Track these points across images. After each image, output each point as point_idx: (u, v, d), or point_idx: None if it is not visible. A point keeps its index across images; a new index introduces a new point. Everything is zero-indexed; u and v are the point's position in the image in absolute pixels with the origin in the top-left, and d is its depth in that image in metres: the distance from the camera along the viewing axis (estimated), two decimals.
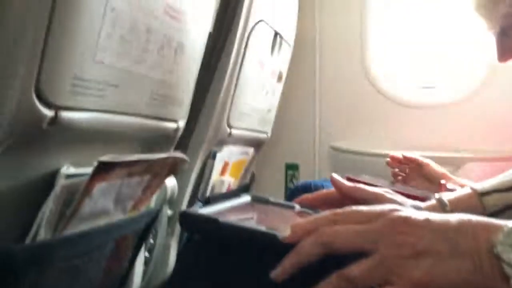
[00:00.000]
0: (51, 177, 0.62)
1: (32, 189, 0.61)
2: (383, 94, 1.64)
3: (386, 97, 1.64)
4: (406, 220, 0.46)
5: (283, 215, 0.69)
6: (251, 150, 1.44)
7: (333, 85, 1.69)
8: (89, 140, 0.69)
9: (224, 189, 1.26)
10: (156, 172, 0.79)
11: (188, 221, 0.55)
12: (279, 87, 1.46)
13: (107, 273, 0.81)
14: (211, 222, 0.53)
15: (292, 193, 1.20)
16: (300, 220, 0.52)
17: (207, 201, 1.15)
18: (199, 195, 1.18)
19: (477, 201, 0.68)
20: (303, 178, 1.73)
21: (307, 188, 1.18)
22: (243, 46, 1.15)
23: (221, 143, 1.20)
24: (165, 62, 0.78)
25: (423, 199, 1.09)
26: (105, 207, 0.70)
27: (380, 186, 1.12)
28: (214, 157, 1.18)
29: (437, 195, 0.70)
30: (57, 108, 0.57)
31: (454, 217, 0.46)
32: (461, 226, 0.45)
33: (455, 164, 1.52)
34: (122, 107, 0.71)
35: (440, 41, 1.63)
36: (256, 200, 0.77)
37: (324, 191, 0.76)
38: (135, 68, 0.71)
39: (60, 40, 0.55)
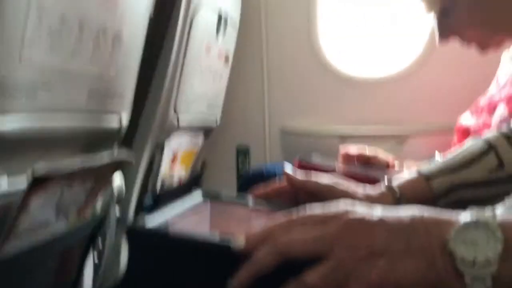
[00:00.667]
0: None
1: None
2: (331, 72, 1.63)
3: (334, 75, 1.63)
4: (360, 222, 0.46)
5: (237, 215, 0.67)
6: (200, 138, 1.39)
7: (281, 65, 1.66)
8: (24, 146, 0.62)
9: (174, 182, 1.21)
10: (100, 174, 0.73)
11: (136, 238, 0.51)
12: (226, 70, 1.41)
13: (53, 286, 0.76)
14: (160, 237, 0.50)
15: (244, 182, 1.17)
16: (254, 222, 0.50)
17: (158, 200, 1.10)
18: (149, 191, 1.13)
19: (424, 185, 0.70)
20: (254, 160, 1.70)
21: (259, 175, 1.16)
22: (187, 30, 1.09)
23: (169, 133, 1.14)
24: (101, 55, 0.71)
25: (375, 181, 1.10)
26: (45, 219, 0.64)
27: (332, 170, 1.12)
28: (162, 148, 1.13)
29: (386, 182, 0.71)
30: None
31: (407, 214, 0.46)
32: (414, 224, 0.45)
33: (400, 138, 1.56)
34: (57, 107, 0.64)
35: (383, 17, 1.64)
36: (208, 196, 0.74)
37: (277, 184, 0.76)
38: (68, 64, 0.64)
39: None
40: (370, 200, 0.66)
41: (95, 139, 0.80)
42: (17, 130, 0.57)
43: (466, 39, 1.00)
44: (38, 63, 0.57)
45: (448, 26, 0.98)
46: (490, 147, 0.69)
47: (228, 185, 1.55)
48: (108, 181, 0.82)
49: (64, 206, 0.68)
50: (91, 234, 0.83)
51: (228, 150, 1.70)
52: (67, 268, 0.81)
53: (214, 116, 1.42)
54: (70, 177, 0.64)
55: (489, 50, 1.01)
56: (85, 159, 0.66)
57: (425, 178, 0.69)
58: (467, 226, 0.42)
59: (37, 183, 0.56)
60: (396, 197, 0.68)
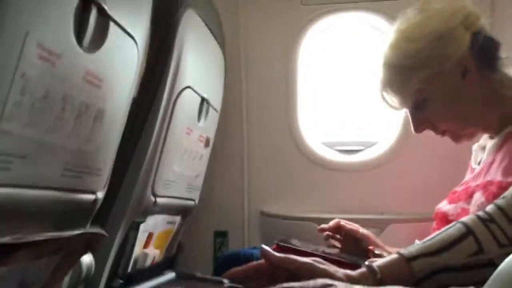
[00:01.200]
0: None
1: None
2: (309, 158, 1.67)
3: (312, 162, 1.66)
4: None
5: None
6: (177, 219, 1.37)
7: (261, 150, 1.69)
8: None
9: (148, 263, 1.17)
10: (70, 250, 0.71)
11: None
12: (207, 152, 1.44)
13: None
14: None
15: (221, 264, 1.14)
16: None
17: (128, 280, 1.06)
18: (120, 271, 1.09)
19: (405, 267, 0.69)
20: (232, 244, 1.67)
21: (236, 257, 1.13)
22: (169, 112, 1.12)
23: (145, 212, 1.13)
24: (82, 131, 0.73)
25: (353, 266, 1.08)
26: None
27: (311, 252, 1.10)
28: (137, 228, 1.11)
29: (367, 263, 0.70)
30: None
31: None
32: None
33: (379, 226, 1.55)
34: (31, 180, 0.64)
35: (362, 103, 1.71)
36: (182, 276, 0.71)
37: (255, 263, 0.74)
38: (47, 137, 0.65)
39: None
40: (351, 280, 0.65)
41: (68, 216, 0.78)
42: None
43: (439, 130, 1.05)
44: (16, 136, 0.58)
45: (422, 118, 1.04)
46: (468, 231, 0.69)
47: (204, 268, 1.51)
48: (78, 259, 0.79)
49: (28, 283, 0.65)
50: None
51: (206, 233, 1.67)
52: None
53: (193, 198, 1.41)
54: (37, 250, 0.62)
55: (462, 140, 1.06)
56: (54, 233, 0.65)
57: (406, 260, 0.68)
58: None
59: (1, 254, 0.54)
60: (377, 278, 0.67)
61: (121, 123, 0.88)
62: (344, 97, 1.75)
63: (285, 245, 1.12)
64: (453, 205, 1.17)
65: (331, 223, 1.21)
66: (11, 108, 0.56)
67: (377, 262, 0.70)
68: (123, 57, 0.81)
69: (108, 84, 0.77)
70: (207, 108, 1.34)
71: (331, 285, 0.46)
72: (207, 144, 1.41)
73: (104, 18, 0.73)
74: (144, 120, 1.09)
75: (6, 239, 0.54)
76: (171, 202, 1.25)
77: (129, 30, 0.81)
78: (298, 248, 1.12)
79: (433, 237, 0.72)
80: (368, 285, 0.65)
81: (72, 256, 0.74)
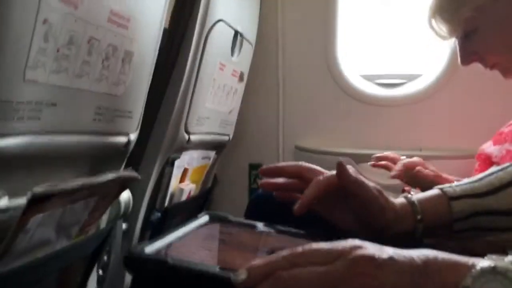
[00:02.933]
0: None
1: None
2: (346, 92, 1.61)
3: (350, 95, 1.61)
4: (369, 261, 0.43)
5: (243, 241, 0.65)
6: (212, 154, 1.38)
7: (297, 83, 1.64)
8: (28, 165, 0.62)
9: (183, 197, 1.21)
10: (104, 193, 0.73)
11: (134, 264, 0.50)
12: (241, 87, 1.41)
13: None
14: (159, 264, 0.48)
15: (252, 204, 1.15)
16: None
17: (166, 213, 1.09)
18: (157, 205, 1.12)
19: (445, 206, 0.65)
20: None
21: (268, 197, 1.13)
22: (201, 47, 1.09)
23: (180, 149, 1.14)
24: (110, 74, 0.71)
25: None
26: (44, 237, 0.64)
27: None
28: (172, 164, 1.13)
29: (407, 196, 0.66)
30: None
31: (420, 255, 0.43)
32: (427, 267, 0.42)
33: None
34: (62, 126, 0.64)
35: (403, 37, 1.61)
36: (215, 219, 0.72)
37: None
38: (75, 83, 0.64)
39: None
40: (395, 213, 0.63)
41: (102, 158, 0.80)
42: (22, 149, 0.57)
43: (489, 63, 0.98)
44: (42, 84, 0.57)
45: (470, 50, 0.97)
46: None
47: (239, 203, 1.54)
48: (113, 200, 0.81)
49: (66, 225, 0.68)
50: (96, 248, 0.83)
51: (240, 167, 1.68)
52: (70, 281, 0.81)
53: (227, 133, 1.41)
54: (71, 196, 0.63)
55: None
56: (88, 179, 0.66)
57: (448, 198, 0.65)
58: (485, 273, 0.40)
59: (37, 203, 0.56)
60: (417, 218, 0.64)
61: (151, 63, 0.85)
62: (386, 27, 1.64)
63: None
64: (498, 147, 1.11)
65: (388, 153, 1.18)
66: (35, 56, 0.55)
67: (419, 197, 0.66)
68: None
69: (135, 24, 0.74)
70: (241, 41, 1.30)
71: (360, 247, 0.44)
72: (241, 78, 1.38)
73: None
74: (175, 57, 1.06)
75: (40, 188, 0.55)
76: (205, 138, 1.25)
77: None
78: None
79: (482, 178, 0.67)
80: (405, 223, 0.63)
81: (107, 198, 0.75)
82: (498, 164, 1.05)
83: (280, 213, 1.13)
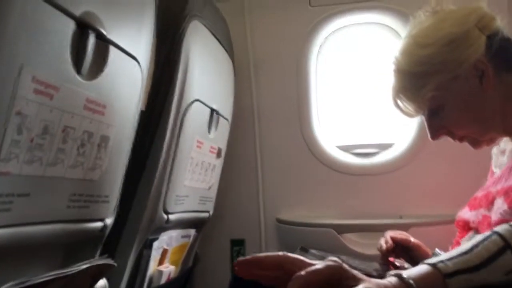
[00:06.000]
0: None
1: None
2: (323, 163, 1.63)
3: (327, 166, 1.62)
4: None
5: None
6: (192, 232, 1.36)
7: (275, 156, 1.66)
8: (1, 258, 0.60)
9: (163, 280, 1.16)
10: (78, 284, 0.70)
11: None
12: (219, 162, 1.42)
13: None
14: None
15: (233, 284, 1.12)
16: None
17: None
18: None
19: (441, 284, 0.64)
20: (250, 252, 1.64)
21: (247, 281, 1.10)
22: (178, 127, 1.10)
23: (159, 229, 1.11)
24: (86, 160, 0.71)
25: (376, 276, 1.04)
26: None
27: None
28: (150, 246, 1.09)
29: (399, 273, 0.64)
30: None
31: None
32: None
33: (400, 229, 1.51)
34: (34, 216, 0.63)
35: (377, 104, 1.67)
36: None
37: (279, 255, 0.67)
38: (48, 172, 0.63)
39: None
40: None
41: (78, 245, 0.77)
42: None
43: (457, 137, 1.00)
44: (14, 175, 0.56)
45: (438, 125, 0.99)
46: (505, 244, 0.65)
47: (221, 279, 1.49)
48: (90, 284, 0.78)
49: None
50: None
51: (222, 242, 1.65)
52: None
53: (207, 210, 1.40)
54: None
55: (482, 146, 1.01)
56: (59, 272, 0.64)
57: (443, 276, 0.64)
58: None
59: None
60: None
61: (128, 145, 0.86)
62: (358, 99, 1.70)
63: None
64: (474, 212, 1.12)
65: (387, 242, 1.17)
66: (8, 148, 0.54)
67: (411, 274, 0.65)
68: (125, 79, 0.79)
69: (111, 109, 0.75)
70: (217, 118, 1.32)
71: None
72: (219, 154, 1.39)
73: (103, 43, 0.71)
74: (152, 137, 1.07)
75: (9, 285, 0.52)
76: (184, 216, 1.23)
77: (130, 51, 0.79)
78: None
79: (470, 250, 0.67)
80: None
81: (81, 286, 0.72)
82: (476, 229, 1.06)
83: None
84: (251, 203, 1.66)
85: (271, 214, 1.64)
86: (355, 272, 0.62)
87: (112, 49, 0.73)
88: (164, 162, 1.06)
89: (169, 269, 1.19)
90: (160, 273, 1.14)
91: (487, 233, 0.69)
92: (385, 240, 1.18)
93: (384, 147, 1.66)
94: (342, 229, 1.55)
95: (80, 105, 0.67)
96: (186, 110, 1.12)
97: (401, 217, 1.55)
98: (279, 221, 1.62)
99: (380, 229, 1.52)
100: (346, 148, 1.67)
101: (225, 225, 1.65)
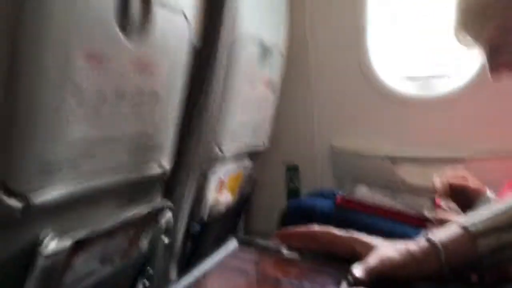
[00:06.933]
0: (34, 250, 0.63)
1: (15, 263, 0.62)
2: (381, 91, 1.60)
3: (383, 95, 1.60)
4: None
5: (266, 272, 0.68)
6: (247, 162, 1.43)
7: (330, 84, 1.65)
8: (71, 207, 0.69)
9: (222, 207, 1.27)
10: (142, 223, 0.80)
11: None
12: (273, 95, 1.45)
13: None
14: None
15: (285, 214, 1.20)
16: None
17: (205, 225, 1.16)
18: (196, 218, 1.19)
19: (470, 245, 0.65)
20: (304, 178, 1.73)
21: (298, 208, 1.18)
22: (230, 63, 1.13)
23: (213, 164, 1.20)
24: (141, 116, 0.77)
25: (420, 220, 1.08)
26: (89, 269, 0.72)
27: (374, 207, 1.12)
28: (207, 179, 1.19)
29: (430, 237, 0.67)
30: (27, 197, 0.58)
31: None
32: None
33: (455, 162, 1.50)
34: (100, 172, 0.71)
35: (436, 34, 1.58)
36: (243, 243, 0.77)
37: (311, 229, 0.74)
38: (109, 132, 0.70)
39: (25, 131, 0.56)
40: (414, 259, 0.65)
41: (141, 188, 0.86)
42: (64, 197, 0.65)
43: None
44: (79, 140, 0.64)
45: (498, 64, 0.96)
46: None
47: (277, 203, 1.59)
48: (151, 225, 0.88)
49: (108, 255, 0.75)
50: (140, 265, 0.91)
51: (277, 169, 1.73)
52: None
53: (260, 140, 1.46)
54: (110, 234, 0.71)
55: None
56: (123, 215, 0.73)
57: (472, 237, 0.66)
58: None
59: (78, 247, 0.63)
60: (441, 258, 0.66)
61: (179, 95, 0.91)
62: (419, 28, 1.61)
63: (350, 197, 1.14)
64: None
65: (442, 188, 1.18)
66: (68, 119, 0.61)
67: (440, 237, 0.67)
68: (172, 34, 0.82)
69: (161, 66, 0.79)
70: (270, 52, 1.33)
71: None
72: (272, 88, 1.41)
73: (146, 2, 0.73)
74: (204, 76, 1.11)
75: (80, 234, 0.62)
76: (239, 149, 1.31)
77: (174, 5, 0.81)
78: (362, 200, 1.14)
79: (505, 211, 0.68)
80: (428, 267, 0.65)
81: (145, 225, 0.82)
82: None
83: (312, 222, 1.18)
84: (306, 130, 1.69)
85: (326, 142, 1.68)
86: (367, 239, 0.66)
87: (156, 7, 0.75)
88: (217, 99, 1.11)
89: (226, 197, 1.30)
90: (219, 202, 1.24)
91: None
92: (441, 183, 1.18)
93: (447, 75, 1.60)
94: (397, 160, 1.56)
95: (130, 66, 0.72)
96: (237, 45, 1.14)
97: (460, 150, 1.52)
98: (333, 148, 1.66)
99: (436, 161, 1.52)
100: (408, 78, 1.63)
101: (280, 152, 1.71)
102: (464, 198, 1.16)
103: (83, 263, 0.67)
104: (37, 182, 0.59)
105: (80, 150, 0.65)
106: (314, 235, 0.72)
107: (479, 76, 1.49)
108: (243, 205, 1.48)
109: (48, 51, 0.56)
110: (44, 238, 0.62)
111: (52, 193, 0.62)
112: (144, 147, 0.81)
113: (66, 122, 0.61)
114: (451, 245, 0.66)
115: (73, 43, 0.60)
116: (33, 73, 0.55)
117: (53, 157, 0.60)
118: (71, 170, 0.65)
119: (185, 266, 1.18)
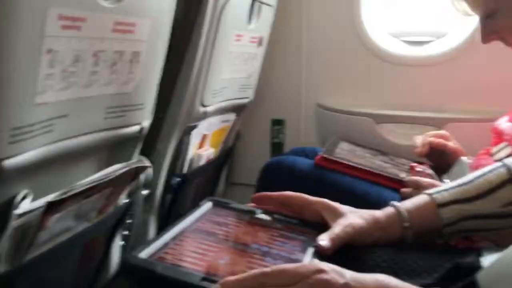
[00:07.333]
0: (8, 211, 0.65)
1: None
2: (370, 51, 1.59)
3: (373, 54, 1.58)
4: (326, 285, 0.49)
5: (237, 236, 0.70)
6: (232, 116, 1.44)
7: (321, 41, 1.63)
8: (48, 167, 0.70)
9: (202, 162, 1.28)
10: (118, 182, 0.81)
11: (129, 271, 0.58)
12: (261, 50, 1.42)
13: (80, 267, 0.87)
14: (148, 272, 0.56)
15: (265, 171, 1.22)
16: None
17: (185, 178, 1.18)
18: (176, 171, 1.21)
19: (434, 213, 0.69)
20: (289, 134, 1.74)
21: (279, 165, 1.20)
22: (215, 23, 1.11)
23: (196, 121, 1.20)
24: (119, 76, 0.77)
25: (397, 182, 1.10)
26: (64, 227, 0.74)
27: (354, 166, 1.14)
28: (189, 134, 1.19)
29: (395, 204, 0.70)
30: None
31: (372, 281, 0.50)
32: None
33: (437, 124, 1.52)
34: (75, 131, 0.72)
35: None
36: (218, 205, 0.79)
37: (285, 193, 0.76)
38: (83, 93, 0.70)
39: None
40: (377, 224, 0.68)
41: (118, 148, 0.87)
42: (39, 159, 0.65)
43: (509, 42, 0.98)
44: (52, 103, 0.64)
45: (492, 28, 0.97)
46: (509, 178, 0.66)
47: (261, 156, 1.61)
48: (128, 184, 0.89)
49: (84, 213, 0.77)
50: (118, 219, 0.93)
51: (263, 123, 1.74)
52: (94, 251, 0.93)
53: (246, 96, 1.45)
54: (85, 193, 0.72)
55: None
56: (99, 175, 0.74)
57: (436, 205, 0.68)
58: None
59: (52, 207, 0.65)
60: (404, 225, 0.68)
61: (162, 55, 0.89)
62: None
63: (329, 157, 1.16)
64: (510, 124, 1.11)
65: (424, 145, 1.20)
66: (43, 82, 0.61)
67: (406, 204, 0.70)
68: None
69: (141, 26, 0.78)
70: (259, 7, 1.30)
71: (322, 271, 0.51)
72: (260, 43, 1.39)
73: None
74: (189, 33, 1.09)
75: (54, 196, 0.63)
76: (223, 105, 1.30)
77: None
78: (341, 161, 1.16)
79: (472, 180, 0.70)
80: (393, 232, 0.68)
81: (122, 185, 0.84)
82: (509, 142, 1.06)
83: (291, 180, 1.20)
84: (293, 85, 1.69)
85: (313, 98, 1.68)
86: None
87: None
88: (201, 58, 1.10)
89: (208, 152, 1.31)
90: (200, 156, 1.26)
91: (497, 164, 0.70)
92: (422, 143, 1.20)
93: (439, 35, 1.58)
94: (380, 119, 1.57)
95: (109, 29, 0.70)
96: (225, 3, 1.11)
97: (442, 111, 1.54)
98: (320, 106, 1.66)
99: (418, 121, 1.54)
100: (398, 35, 1.61)
101: (266, 105, 1.72)
102: (443, 158, 1.19)
103: (58, 222, 0.69)
104: (7, 149, 0.59)
105: (52, 112, 0.65)
106: (287, 199, 0.74)
107: (469, 40, 1.48)
108: (226, 158, 1.50)
109: (22, 12, 0.54)
110: (18, 199, 0.63)
111: (25, 156, 0.62)
112: (123, 107, 0.81)
113: (39, 86, 0.60)
114: (415, 211, 0.69)
115: (50, 9, 0.58)
116: (5, 34, 0.54)
117: (24, 122, 0.60)
118: (45, 135, 0.65)
119: (167, 217, 1.21)
